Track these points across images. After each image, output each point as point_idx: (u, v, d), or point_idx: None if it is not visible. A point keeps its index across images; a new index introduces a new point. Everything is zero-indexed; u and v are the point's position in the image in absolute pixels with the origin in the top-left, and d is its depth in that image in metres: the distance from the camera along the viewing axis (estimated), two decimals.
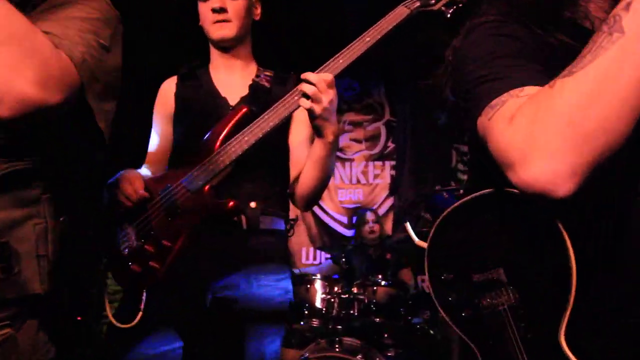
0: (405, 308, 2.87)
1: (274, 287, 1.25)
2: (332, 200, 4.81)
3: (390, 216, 4.58)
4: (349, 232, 4.60)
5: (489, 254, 0.80)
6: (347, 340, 2.88)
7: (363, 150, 4.81)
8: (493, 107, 0.69)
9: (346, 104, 4.90)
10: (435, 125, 4.33)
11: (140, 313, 1.14)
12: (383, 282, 2.89)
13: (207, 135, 1.23)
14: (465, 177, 4.42)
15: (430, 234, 0.90)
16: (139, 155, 1.44)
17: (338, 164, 4.84)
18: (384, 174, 4.74)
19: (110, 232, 1.26)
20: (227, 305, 1.19)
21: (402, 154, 4.58)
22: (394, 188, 4.61)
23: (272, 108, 1.18)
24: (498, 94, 0.70)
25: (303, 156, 1.31)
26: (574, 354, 0.68)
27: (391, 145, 4.76)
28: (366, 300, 2.85)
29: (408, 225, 1.34)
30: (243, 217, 1.23)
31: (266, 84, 1.32)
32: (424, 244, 0.90)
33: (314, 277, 2.97)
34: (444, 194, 3.01)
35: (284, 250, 1.31)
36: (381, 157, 4.77)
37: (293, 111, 1.18)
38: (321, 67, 1.18)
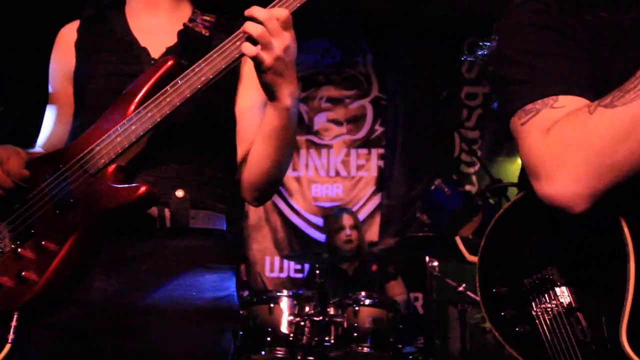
0: (395, 334, 2.83)
1: (210, 309, 1.12)
2: (303, 197, 4.75)
3: (377, 218, 4.55)
4: (324, 237, 4.54)
5: (540, 254, 0.95)
6: None
7: (344, 134, 4.78)
8: (527, 112, 0.89)
9: (323, 75, 4.84)
10: (436, 104, 4.31)
11: (8, 345, 1.03)
12: (367, 301, 2.85)
13: (117, 98, 1.13)
14: (471, 169, 4.43)
15: (482, 245, 1.02)
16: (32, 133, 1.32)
17: (312, 152, 4.78)
18: (370, 164, 4.72)
19: None
20: (132, 347, 1.05)
21: (392, 140, 4.55)
22: (382, 183, 4.58)
23: (205, 58, 1.05)
24: (532, 99, 0.89)
25: (255, 127, 1.19)
26: (637, 354, 0.78)
27: (379, 129, 4.73)
28: (345, 324, 2.82)
29: (459, 240, 1.30)
30: (166, 211, 1.10)
31: (203, 31, 1.22)
32: (475, 259, 1.02)
33: (278, 293, 2.91)
34: (445, 189, 2.97)
35: (226, 257, 1.17)
36: (366, 143, 4.74)
37: (234, 62, 1.05)
38: (275, 1, 1.07)
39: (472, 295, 2.80)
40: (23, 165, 1.12)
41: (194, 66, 1.06)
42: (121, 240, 1.09)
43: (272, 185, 1.21)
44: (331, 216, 3.86)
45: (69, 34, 1.29)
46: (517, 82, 0.91)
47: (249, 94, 1.23)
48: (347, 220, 3.63)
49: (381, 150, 4.69)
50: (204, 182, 1.15)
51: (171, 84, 1.06)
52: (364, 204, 4.62)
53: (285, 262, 4.66)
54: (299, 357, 2.78)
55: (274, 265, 4.68)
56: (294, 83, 1.08)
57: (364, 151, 4.74)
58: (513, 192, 2.98)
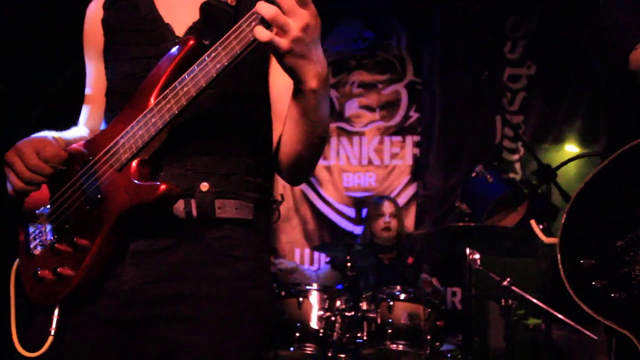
0: (432, 331, 2.67)
1: (238, 300, 1.11)
2: (335, 186, 4.60)
3: (413, 208, 4.37)
4: (357, 229, 4.40)
5: (634, 212, 1.00)
6: None
7: (377, 121, 4.61)
8: None
9: (355, 59, 4.67)
10: (476, 88, 4.08)
11: (51, 338, 1.08)
12: (402, 295, 2.70)
13: (141, 85, 1.11)
14: (515, 157, 4.19)
15: (563, 221, 1.08)
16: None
17: (343, 140, 4.63)
18: (405, 152, 4.53)
19: (20, 223, 1.20)
20: (163, 335, 1.06)
21: (429, 127, 4.37)
22: (418, 171, 4.40)
23: (222, 40, 0.99)
24: None
25: (285, 98, 1.14)
26: None
27: (414, 115, 4.54)
28: (379, 320, 2.67)
29: (534, 224, 1.36)
30: (193, 203, 1.09)
31: (229, 1, 1.14)
32: (555, 240, 1.10)
33: (308, 287, 2.78)
34: (487, 176, 2.77)
35: (256, 246, 1.14)
36: (401, 130, 4.56)
37: (250, 46, 0.97)
38: None
39: (518, 290, 2.59)
40: (60, 150, 1.13)
41: (210, 50, 1.01)
42: (149, 232, 1.09)
43: (307, 167, 1.18)
44: (371, 202, 3.78)
45: (96, 10, 1.27)
46: None
47: (282, 73, 1.11)
48: (387, 207, 3.55)
49: (416, 138, 4.50)
50: (233, 172, 1.13)
51: (188, 71, 1.03)
52: (399, 194, 4.45)
53: (316, 254, 4.53)
54: (330, 354, 2.66)
55: (304, 258, 4.56)
56: (319, 63, 1.00)
57: (398, 139, 4.57)
58: (563, 179, 2.75)
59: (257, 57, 1.15)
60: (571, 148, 4.19)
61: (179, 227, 1.09)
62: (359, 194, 4.56)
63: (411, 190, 4.45)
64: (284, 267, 3.28)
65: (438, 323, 2.83)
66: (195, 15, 1.15)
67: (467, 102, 4.27)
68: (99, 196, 1.08)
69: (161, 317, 1.06)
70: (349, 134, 4.63)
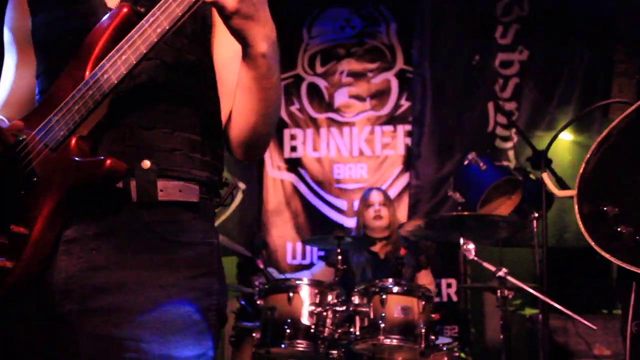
0: (427, 324, 2.61)
1: (186, 289, 1.02)
2: (325, 178, 4.54)
3: (405, 199, 4.31)
4: (349, 221, 4.33)
5: None
6: None
7: (367, 110, 4.54)
8: None
9: (343, 47, 4.59)
10: (467, 74, 4.02)
11: None
12: (395, 288, 2.63)
13: (71, 60, 1.04)
14: (508, 144, 4.13)
15: (582, 170, 1.11)
16: None
17: (333, 130, 4.55)
18: (396, 142, 4.47)
19: None
20: (102, 323, 0.98)
21: (420, 115, 4.31)
22: (410, 161, 4.34)
23: (159, 4, 0.95)
24: None
25: (232, 70, 1.10)
26: None
27: (405, 104, 4.48)
28: (372, 315, 2.60)
29: (547, 176, 1.36)
30: (132, 184, 1.01)
31: None
32: (570, 192, 1.14)
33: (298, 282, 2.71)
34: (480, 163, 2.71)
35: (202, 231, 1.07)
36: (392, 119, 4.49)
37: (191, 7, 0.94)
38: None
39: (513, 280, 2.53)
40: (8, 137, 1.03)
41: (148, 15, 0.96)
42: (83, 217, 1.02)
43: (262, 140, 1.14)
44: (361, 195, 3.74)
45: None
46: None
47: (227, 41, 1.09)
48: (376, 196, 3.51)
49: (408, 127, 4.44)
50: (177, 148, 1.06)
51: (126, 39, 0.98)
52: (391, 185, 4.39)
53: (308, 248, 4.47)
54: (322, 351, 2.59)
55: (295, 252, 4.50)
56: (267, 24, 0.98)
57: (389, 128, 4.50)
58: (557, 166, 2.70)
59: (198, 26, 1.10)
60: (564, 135, 4.14)
61: (117, 211, 1.01)
62: (350, 186, 4.49)
63: (404, 180, 4.39)
64: (273, 278, 3.21)
65: (433, 316, 2.78)
66: None
67: (458, 90, 4.21)
68: (35, 179, 1.02)
69: (99, 309, 0.99)
70: (339, 124, 4.56)
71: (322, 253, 4.33)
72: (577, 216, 1.12)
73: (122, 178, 1.00)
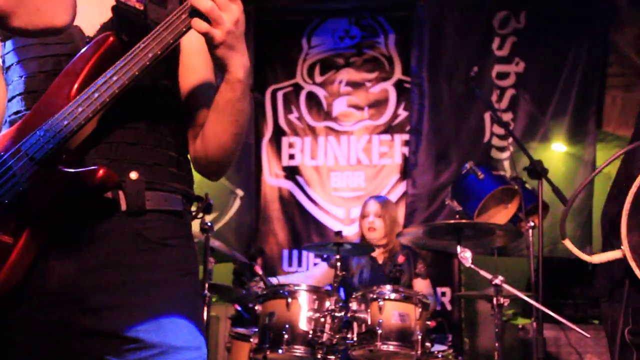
0: (423, 331, 2.63)
1: (177, 284, 1.10)
2: (323, 187, 4.56)
3: (402, 207, 4.35)
4: (345, 229, 4.36)
5: None
6: None
7: (365, 120, 4.58)
8: None
9: (342, 57, 4.64)
10: (465, 85, 4.07)
11: None
12: (393, 295, 2.65)
13: (56, 80, 1.10)
14: (504, 155, 4.18)
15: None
16: None
17: (331, 139, 4.59)
18: (393, 151, 4.52)
19: None
20: (100, 320, 1.03)
21: (417, 125, 4.35)
22: (407, 170, 4.38)
23: (152, 33, 1.06)
24: None
25: (205, 101, 1.20)
26: None
27: (403, 114, 4.52)
28: (369, 321, 2.63)
29: (569, 243, 1.24)
30: (121, 195, 1.09)
31: (137, 5, 1.19)
32: (612, 255, 1.11)
33: (297, 288, 2.73)
34: (478, 173, 2.74)
35: (185, 237, 1.16)
36: (389, 129, 4.54)
37: (182, 35, 1.06)
38: None
39: (509, 288, 2.56)
40: None
41: (139, 43, 1.05)
42: (75, 225, 1.07)
43: (230, 159, 1.22)
44: (362, 204, 3.75)
45: None
46: None
47: (195, 67, 1.24)
48: (372, 207, 3.51)
49: (405, 136, 4.48)
50: (158, 163, 1.14)
51: (118, 62, 1.06)
52: (388, 193, 4.42)
53: (304, 255, 4.49)
54: (319, 356, 2.60)
55: (292, 259, 4.51)
56: (245, 55, 1.11)
57: (386, 137, 4.54)
58: (552, 177, 2.74)
59: (170, 54, 1.17)
60: (558, 146, 4.20)
61: (106, 219, 1.08)
62: (347, 194, 4.52)
63: (400, 189, 4.42)
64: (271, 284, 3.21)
65: (429, 323, 2.80)
66: (102, 17, 1.18)
67: (455, 100, 4.26)
68: (20, 189, 1.05)
69: (96, 307, 1.04)
70: (337, 133, 4.60)
71: (317, 260, 4.35)
72: (626, 248, 1.07)
73: (112, 188, 1.06)
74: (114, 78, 1.04)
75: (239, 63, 1.09)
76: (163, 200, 1.12)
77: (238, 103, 1.13)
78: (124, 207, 1.08)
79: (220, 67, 1.10)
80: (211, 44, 1.05)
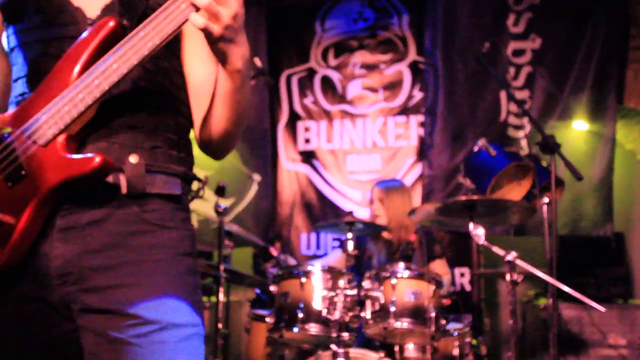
0: (437, 309, 2.63)
1: (177, 263, 1.12)
2: (339, 170, 4.57)
3: (419, 189, 4.33)
4: (363, 212, 4.37)
5: None
6: (358, 353, 2.69)
7: (380, 102, 4.57)
8: None
9: (356, 39, 4.62)
10: (480, 63, 4.01)
11: None
12: (406, 273, 2.66)
13: (58, 63, 1.11)
14: (520, 133, 4.13)
15: None
16: None
17: (347, 122, 4.59)
18: (409, 133, 4.50)
19: None
20: (100, 300, 1.06)
21: (432, 106, 4.32)
22: (423, 152, 4.37)
23: (149, 20, 1.05)
24: None
25: (207, 84, 1.22)
26: None
27: (418, 95, 4.50)
28: (383, 299, 2.64)
29: None
30: (121, 178, 1.10)
31: None
32: None
33: (310, 267, 2.75)
34: (490, 149, 2.72)
35: (184, 220, 1.18)
36: (405, 110, 4.53)
37: (181, 26, 1.06)
38: None
39: (523, 264, 2.55)
40: None
41: (138, 29, 1.05)
42: (76, 207, 1.10)
43: (234, 142, 1.26)
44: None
45: None
46: None
47: (197, 50, 1.24)
48: (375, 193, 3.55)
49: (421, 118, 4.46)
50: (157, 145, 1.16)
51: (117, 48, 1.06)
52: (404, 175, 4.42)
53: (322, 238, 4.52)
54: (333, 334, 2.62)
55: (310, 242, 4.55)
56: (244, 46, 1.11)
57: (402, 119, 4.53)
58: (572, 156, 2.69)
59: (172, 39, 1.17)
60: (577, 123, 4.12)
61: (107, 202, 1.10)
62: (364, 177, 4.53)
63: (417, 170, 4.41)
64: (286, 265, 3.26)
65: (444, 301, 2.80)
66: None
67: (471, 80, 4.21)
68: (23, 172, 1.07)
69: (97, 288, 1.07)
70: (352, 116, 4.60)
71: (336, 243, 4.38)
72: None
73: (109, 174, 1.08)
74: (114, 66, 1.05)
75: (238, 54, 1.09)
76: (162, 184, 1.14)
77: (237, 92, 1.14)
78: (124, 190, 1.10)
79: (220, 58, 1.10)
80: (209, 38, 1.05)
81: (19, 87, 1.19)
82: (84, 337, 1.07)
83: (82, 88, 1.05)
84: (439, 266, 3.44)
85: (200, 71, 1.23)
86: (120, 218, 1.10)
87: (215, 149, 1.25)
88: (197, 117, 1.25)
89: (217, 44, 1.06)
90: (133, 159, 1.11)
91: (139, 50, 1.04)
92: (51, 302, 1.09)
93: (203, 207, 4.05)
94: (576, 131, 4.12)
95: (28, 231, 1.06)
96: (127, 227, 1.10)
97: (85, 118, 1.08)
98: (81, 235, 1.09)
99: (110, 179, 1.09)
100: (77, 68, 1.07)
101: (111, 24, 1.09)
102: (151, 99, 1.17)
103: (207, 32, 1.03)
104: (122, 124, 1.13)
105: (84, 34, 1.10)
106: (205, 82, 1.23)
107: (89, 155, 1.04)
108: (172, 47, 1.20)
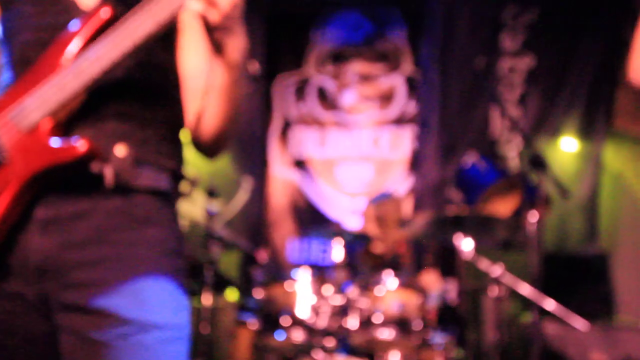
0: (423, 321, 2.64)
1: (161, 262, 1.07)
2: (330, 179, 4.58)
3: (410, 200, 4.34)
4: (352, 222, 4.36)
5: None
6: None
7: (375, 112, 4.58)
8: None
9: (354, 48, 4.63)
10: (474, 79, 4.05)
11: None
12: (393, 284, 2.67)
13: (49, 49, 1.07)
14: (512, 149, 4.15)
15: None
16: None
17: (340, 131, 4.60)
18: (402, 144, 4.51)
19: None
20: (81, 296, 1.01)
21: (426, 118, 4.33)
22: (415, 163, 4.38)
23: (143, 4, 1.01)
24: None
25: (202, 79, 1.16)
26: None
27: (412, 107, 4.52)
28: (369, 309, 2.66)
29: None
30: (107, 169, 1.04)
31: None
32: None
33: (295, 274, 2.76)
34: (481, 164, 2.74)
35: (171, 217, 1.13)
36: (398, 121, 4.53)
37: (175, 13, 1.01)
38: None
39: (509, 280, 2.56)
40: None
41: (132, 14, 1.01)
42: (58, 199, 1.05)
43: (226, 140, 1.21)
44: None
45: None
46: None
47: (193, 46, 1.20)
48: (365, 209, 3.62)
49: (414, 129, 4.47)
50: (148, 139, 1.11)
51: (111, 35, 1.02)
52: (396, 187, 4.42)
53: (310, 246, 4.50)
54: (317, 343, 2.63)
55: (297, 250, 4.53)
56: (241, 37, 1.08)
57: (395, 130, 4.54)
58: (563, 177, 2.72)
59: (169, 29, 1.14)
60: (568, 143, 4.16)
61: (91, 194, 1.04)
62: (355, 187, 4.53)
63: (409, 182, 4.42)
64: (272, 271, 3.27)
65: (429, 313, 2.81)
66: None
67: (465, 94, 4.23)
68: (3, 156, 1.03)
69: (77, 283, 1.02)
70: (346, 125, 4.60)
71: (324, 251, 4.37)
72: None
73: (94, 160, 1.02)
74: (105, 51, 1.01)
75: (235, 45, 1.06)
76: (150, 178, 1.09)
77: (234, 86, 1.11)
78: (110, 182, 1.04)
79: (216, 49, 1.07)
80: (207, 27, 1.02)
81: (8, 74, 1.15)
82: (62, 339, 1.03)
83: (71, 73, 1.02)
84: (430, 276, 3.44)
85: (195, 65, 1.19)
86: (104, 211, 1.04)
87: (208, 147, 1.21)
88: (191, 113, 1.20)
89: (214, 33, 1.03)
90: (121, 150, 1.05)
91: (131, 36, 1.00)
92: (28, 299, 1.04)
93: (192, 210, 4.04)
94: (565, 150, 4.17)
95: (4, 220, 1.01)
96: (110, 221, 1.05)
97: (73, 105, 1.04)
98: (62, 228, 1.04)
99: (95, 169, 1.03)
100: (68, 55, 1.04)
101: (104, 10, 1.06)
102: (144, 92, 1.12)
103: (204, 20, 1.01)
104: (112, 112, 1.08)
105: (77, 21, 1.07)
106: (200, 76, 1.19)
107: (75, 141, 1.00)
108: (167, 43, 1.17)
